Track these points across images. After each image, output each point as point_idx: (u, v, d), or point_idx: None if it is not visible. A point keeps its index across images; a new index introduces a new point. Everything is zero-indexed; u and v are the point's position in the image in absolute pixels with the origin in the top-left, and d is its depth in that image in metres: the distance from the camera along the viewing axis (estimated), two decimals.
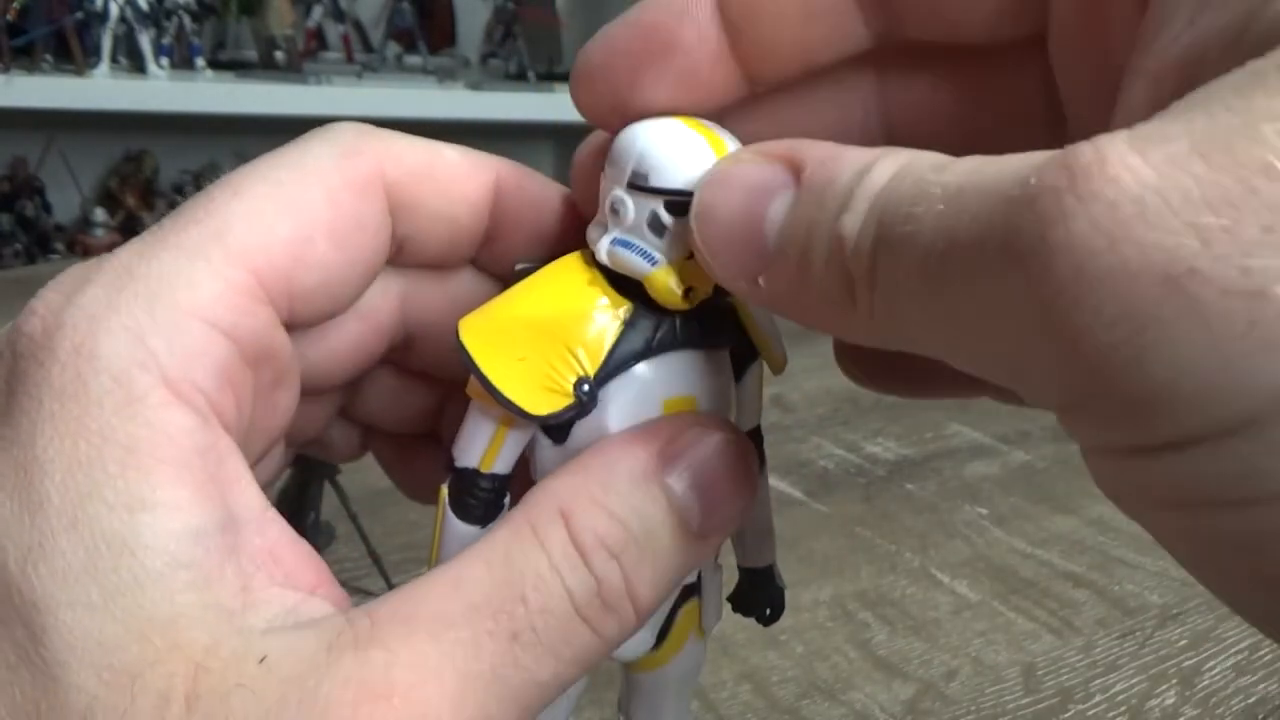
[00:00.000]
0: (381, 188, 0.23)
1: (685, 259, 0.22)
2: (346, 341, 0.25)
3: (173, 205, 1.61)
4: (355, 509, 0.47)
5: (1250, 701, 0.45)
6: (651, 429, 0.21)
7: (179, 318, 0.20)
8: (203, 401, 0.20)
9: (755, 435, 0.25)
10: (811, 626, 0.48)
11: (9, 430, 0.19)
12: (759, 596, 0.26)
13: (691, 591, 0.25)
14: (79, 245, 1.54)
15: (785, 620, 0.49)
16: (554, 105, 1.62)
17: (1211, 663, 0.47)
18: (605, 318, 0.22)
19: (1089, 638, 0.48)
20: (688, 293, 0.22)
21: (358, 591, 0.47)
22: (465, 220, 0.25)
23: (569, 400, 0.22)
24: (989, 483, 0.63)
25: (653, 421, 0.22)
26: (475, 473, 0.23)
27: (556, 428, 0.22)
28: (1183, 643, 0.48)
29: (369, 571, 0.48)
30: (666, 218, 0.22)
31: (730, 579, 0.27)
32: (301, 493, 0.47)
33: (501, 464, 0.23)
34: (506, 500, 0.23)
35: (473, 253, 0.26)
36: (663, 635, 0.25)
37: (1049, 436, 0.70)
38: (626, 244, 0.22)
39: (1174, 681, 0.45)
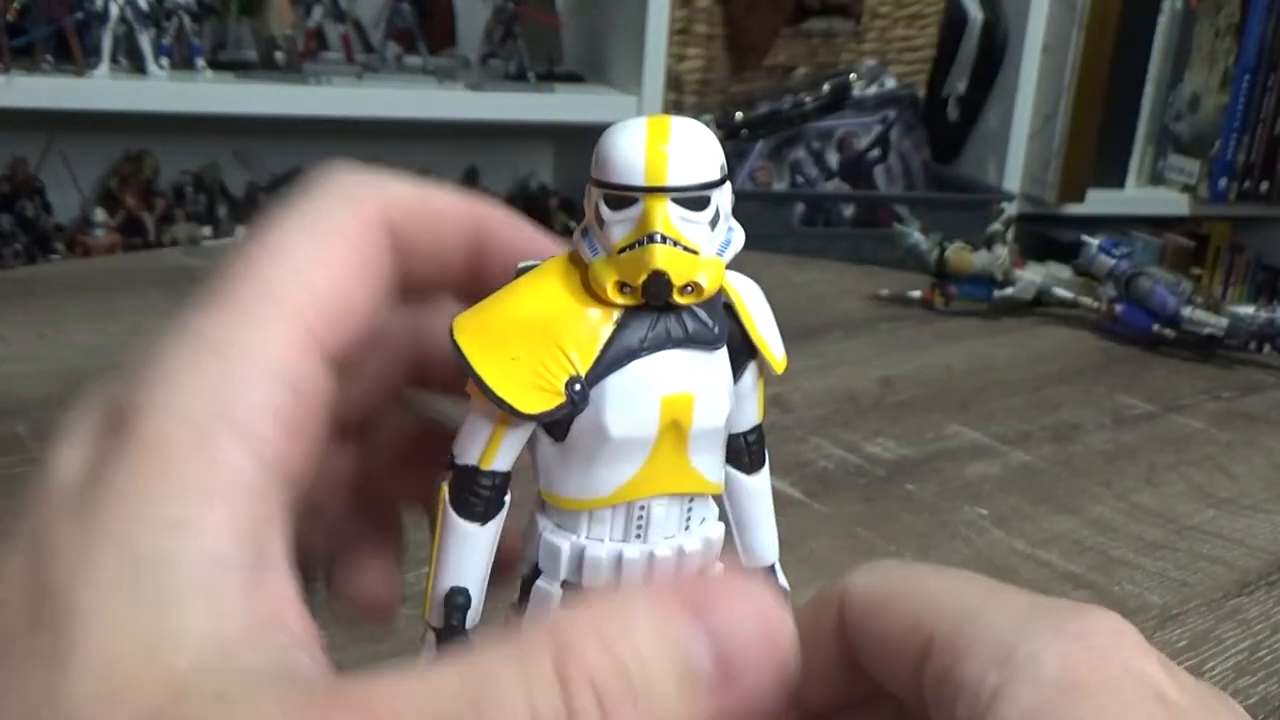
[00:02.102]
0: (385, 229, 0.24)
1: (619, 253, 0.22)
2: (372, 376, 0.27)
3: (173, 205, 1.61)
4: None
5: (1250, 702, 0.45)
6: (689, 581, 0.22)
7: (249, 374, 0.22)
8: (268, 451, 0.21)
9: (757, 433, 0.26)
10: None
11: (99, 486, 0.21)
12: None
13: None
14: (79, 245, 1.54)
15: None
16: (554, 105, 1.62)
17: (1211, 663, 0.47)
18: (597, 316, 0.22)
19: None
20: (622, 287, 0.22)
21: None
22: (451, 256, 0.26)
23: (560, 399, 0.22)
24: (989, 483, 0.63)
25: (692, 574, 0.24)
26: (475, 470, 0.23)
27: (555, 425, 0.23)
28: (1182, 644, 0.48)
29: None
30: (605, 210, 0.22)
31: None
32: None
33: (501, 461, 0.23)
34: (508, 498, 0.24)
35: (454, 287, 0.27)
36: None
37: (1049, 437, 0.70)
38: (585, 233, 0.23)
39: None
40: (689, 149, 0.22)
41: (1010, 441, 0.69)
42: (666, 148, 0.22)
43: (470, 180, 1.81)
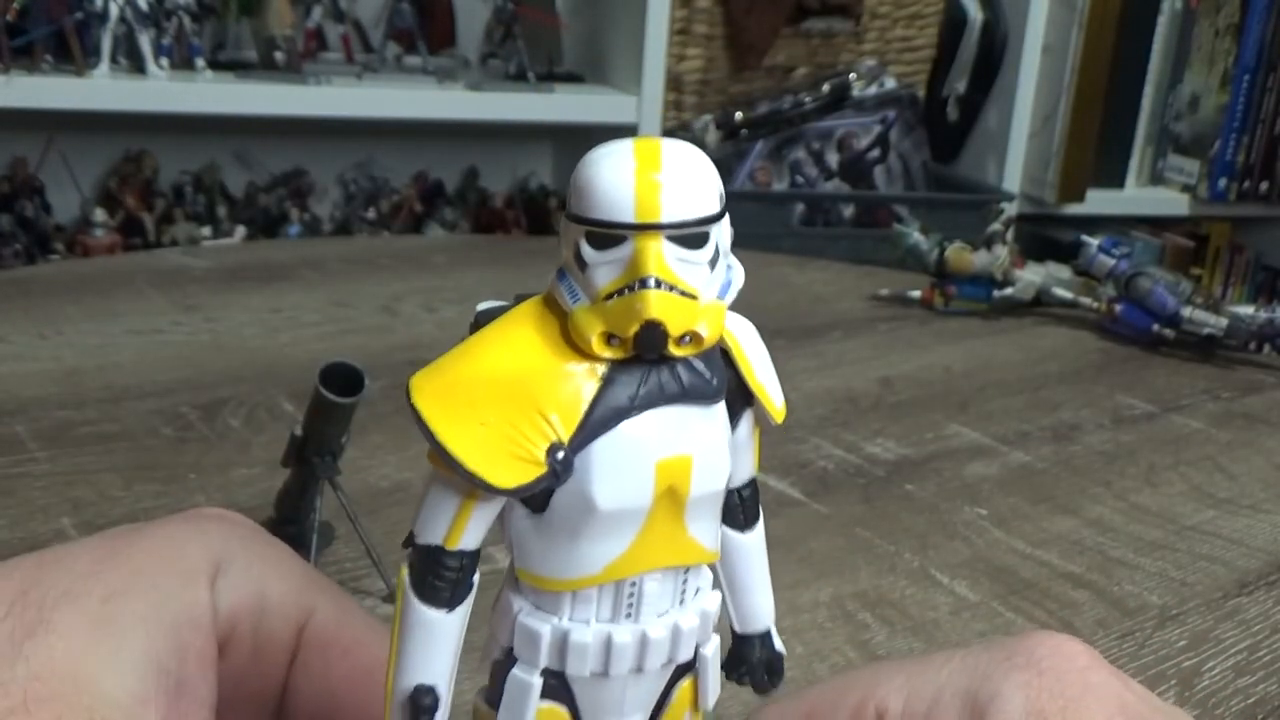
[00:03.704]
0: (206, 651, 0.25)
1: (604, 299, 0.19)
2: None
3: (172, 205, 1.61)
4: (355, 509, 0.47)
5: (1250, 702, 0.45)
6: None
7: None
8: None
9: (751, 488, 0.24)
10: (811, 627, 0.48)
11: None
12: (757, 664, 0.25)
13: (686, 670, 0.23)
14: (79, 245, 1.53)
15: (785, 621, 0.49)
16: (554, 105, 1.62)
17: (1211, 663, 0.47)
18: (581, 371, 0.20)
19: (1088, 639, 0.48)
20: (609, 340, 0.19)
21: (358, 592, 0.47)
22: (277, 667, 0.26)
23: (540, 470, 0.19)
24: (988, 483, 0.63)
25: None
26: (440, 550, 0.20)
27: (534, 496, 0.20)
28: (1182, 643, 0.48)
29: (368, 572, 0.48)
30: (588, 250, 0.19)
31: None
32: (302, 493, 0.47)
33: (469, 539, 0.20)
34: (476, 578, 0.21)
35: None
36: (654, 717, 0.23)
37: (1048, 437, 0.70)
38: (562, 275, 0.20)
39: (1173, 682, 0.45)
40: (685, 178, 0.19)
41: (1010, 441, 0.69)
42: (659, 177, 0.19)
43: (470, 180, 1.81)
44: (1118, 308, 0.88)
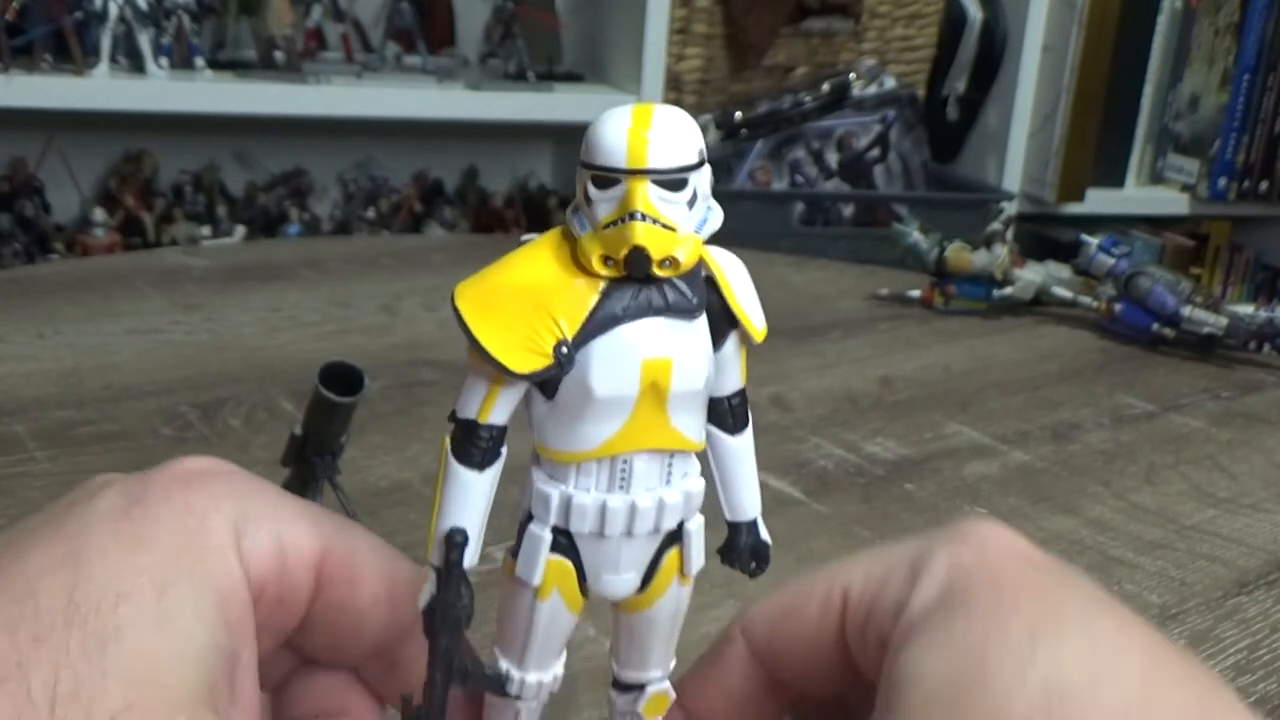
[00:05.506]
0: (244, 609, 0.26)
1: (603, 229, 0.24)
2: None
3: (172, 205, 1.61)
4: (355, 509, 0.47)
5: (1250, 701, 0.45)
6: None
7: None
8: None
9: (740, 397, 0.28)
10: None
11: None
12: (743, 549, 0.29)
13: (674, 540, 0.27)
14: (78, 245, 1.53)
15: None
16: (553, 105, 1.62)
17: (1211, 663, 0.47)
18: (584, 286, 0.25)
19: None
20: (606, 261, 0.24)
21: None
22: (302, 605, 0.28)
23: (548, 361, 0.24)
24: (988, 483, 0.63)
25: None
26: (475, 423, 0.25)
27: (546, 384, 0.25)
28: (1181, 643, 0.48)
29: None
30: (592, 190, 0.24)
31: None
32: (301, 493, 0.47)
33: (497, 415, 0.25)
34: (504, 450, 0.26)
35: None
36: (647, 579, 0.27)
37: (1048, 437, 0.70)
38: (575, 211, 0.25)
39: None
40: (668, 135, 0.24)
41: (1009, 441, 0.69)
42: (648, 133, 0.24)
43: (470, 180, 1.81)
44: (1117, 307, 0.88)
